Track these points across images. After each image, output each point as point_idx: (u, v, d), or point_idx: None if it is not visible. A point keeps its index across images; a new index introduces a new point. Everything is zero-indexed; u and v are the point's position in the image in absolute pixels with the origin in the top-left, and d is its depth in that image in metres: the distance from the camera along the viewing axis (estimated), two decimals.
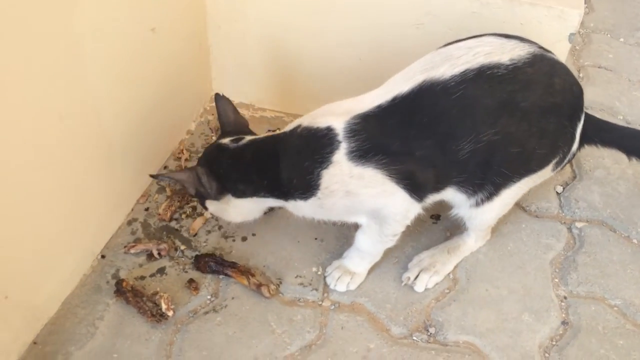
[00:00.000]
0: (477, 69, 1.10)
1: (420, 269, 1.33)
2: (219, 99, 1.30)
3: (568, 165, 1.54)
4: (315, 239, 1.40)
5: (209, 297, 1.28)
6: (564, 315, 1.28)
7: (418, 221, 1.39)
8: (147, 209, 1.44)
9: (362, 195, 1.14)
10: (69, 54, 1.08)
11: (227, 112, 1.30)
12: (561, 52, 1.35)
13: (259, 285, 1.27)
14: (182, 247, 1.37)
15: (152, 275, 1.31)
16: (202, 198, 1.27)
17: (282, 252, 1.37)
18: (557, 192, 1.54)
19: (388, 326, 1.25)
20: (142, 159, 1.42)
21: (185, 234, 1.40)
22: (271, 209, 1.45)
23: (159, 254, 1.34)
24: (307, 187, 1.15)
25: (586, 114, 1.25)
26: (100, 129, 1.23)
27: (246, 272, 1.29)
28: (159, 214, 1.42)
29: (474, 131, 1.10)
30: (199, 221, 1.42)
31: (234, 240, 1.39)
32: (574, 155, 1.26)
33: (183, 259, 1.35)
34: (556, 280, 1.35)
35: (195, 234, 1.40)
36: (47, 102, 1.05)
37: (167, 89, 1.45)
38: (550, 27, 1.36)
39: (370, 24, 1.48)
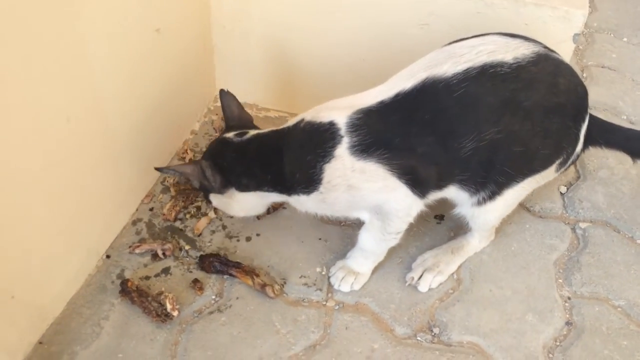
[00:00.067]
0: (480, 67, 1.10)
1: (424, 269, 1.33)
2: (224, 94, 1.32)
3: (572, 166, 1.54)
4: (320, 239, 1.41)
5: (213, 297, 1.28)
6: (567, 315, 1.29)
7: (422, 221, 1.40)
8: (151, 209, 1.45)
9: (364, 189, 1.15)
10: (75, 56, 1.08)
11: (231, 107, 1.32)
12: (565, 53, 1.35)
13: (264, 286, 1.27)
14: (187, 247, 1.37)
15: (156, 275, 1.31)
16: (206, 191, 1.28)
17: (287, 252, 1.38)
18: (561, 193, 1.54)
19: (392, 326, 1.25)
20: (147, 159, 1.43)
21: (190, 234, 1.40)
22: (275, 209, 1.46)
23: (163, 254, 1.34)
24: (309, 182, 1.15)
25: (591, 115, 1.25)
26: (106, 129, 1.23)
27: (250, 272, 1.30)
28: (164, 214, 1.43)
29: (476, 129, 1.11)
30: (203, 221, 1.42)
31: (238, 241, 1.40)
32: (578, 156, 1.26)
33: (187, 259, 1.35)
34: (560, 280, 1.35)
35: (200, 234, 1.40)
36: (54, 105, 1.06)
37: (171, 89, 1.45)
38: (555, 28, 1.36)
39: (374, 24, 1.48)
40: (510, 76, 1.10)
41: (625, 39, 2.12)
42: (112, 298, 1.26)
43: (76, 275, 1.27)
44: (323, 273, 1.34)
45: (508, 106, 1.11)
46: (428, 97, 1.11)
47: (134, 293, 1.24)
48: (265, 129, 1.27)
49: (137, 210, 1.44)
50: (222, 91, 1.32)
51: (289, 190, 1.20)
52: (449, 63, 1.11)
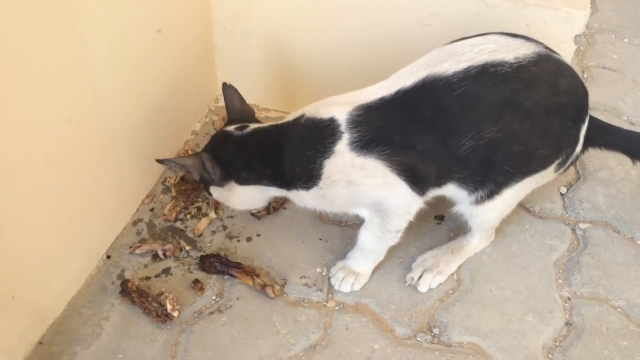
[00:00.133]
0: (480, 66, 1.10)
1: (424, 269, 1.33)
2: (226, 88, 1.32)
3: (572, 167, 1.54)
4: (320, 239, 1.41)
5: (214, 297, 1.28)
6: (567, 316, 1.29)
7: (422, 222, 1.40)
8: (152, 210, 1.45)
9: (364, 185, 1.15)
10: (76, 56, 1.08)
11: (233, 101, 1.32)
12: (567, 54, 1.35)
13: (264, 286, 1.27)
14: (187, 248, 1.37)
15: (157, 276, 1.31)
16: (206, 184, 1.28)
17: (287, 252, 1.38)
18: (561, 193, 1.54)
19: (392, 327, 1.25)
20: (147, 159, 1.42)
21: (190, 235, 1.40)
22: (275, 209, 1.46)
23: (164, 254, 1.34)
24: (309, 177, 1.16)
25: (591, 117, 1.25)
26: (106, 129, 1.23)
27: (251, 272, 1.30)
28: (164, 215, 1.43)
29: (475, 128, 1.11)
30: (204, 222, 1.42)
31: (238, 241, 1.40)
32: (577, 157, 1.26)
33: (188, 259, 1.35)
34: (560, 281, 1.35)
35: (200, 235, 1.40)
36: (55, 105, 1.06)
37: (172, 89, 1.45)
38: (556, 29, 1.36)
39: (375, 24, 1.48)
40: (511, 76, 1.10)
41: (626, 40, 2.12)
42: (113, 298, 1.26)
43: (76, 275, 1.27)
44: (323, 273, 1.34)
45: (508, 106, 1.11)
46: (428, 95, 1.11)
47: (134, 293, 1.24)
48: (266, 123, 1.27)
49: (137, 210, 1.44)
50: (224, 84, 1.32)
51: (288, 185, 1.21)
52: (450, 61, 1.11)
